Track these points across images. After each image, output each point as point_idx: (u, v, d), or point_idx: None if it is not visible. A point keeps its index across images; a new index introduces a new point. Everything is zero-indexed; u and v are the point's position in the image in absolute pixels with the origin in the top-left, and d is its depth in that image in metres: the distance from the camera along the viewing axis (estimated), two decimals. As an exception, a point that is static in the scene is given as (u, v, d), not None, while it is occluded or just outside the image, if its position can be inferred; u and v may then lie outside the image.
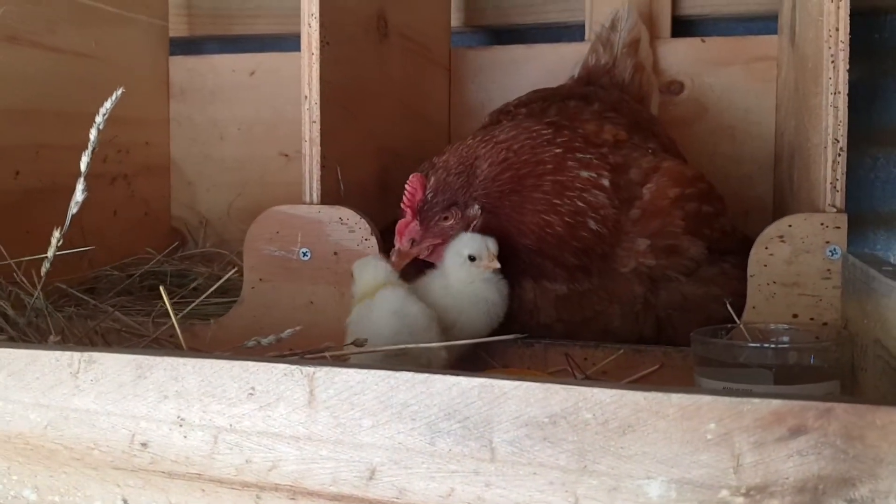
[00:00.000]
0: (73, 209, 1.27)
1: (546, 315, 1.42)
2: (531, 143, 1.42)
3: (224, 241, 2.37)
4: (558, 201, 1.37)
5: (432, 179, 1.40)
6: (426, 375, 0.92)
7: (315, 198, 1.49)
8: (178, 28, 2.43)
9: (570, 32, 2.25)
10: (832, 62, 1.28)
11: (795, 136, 1.64)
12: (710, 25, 2.20)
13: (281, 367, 0.95)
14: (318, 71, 1.47)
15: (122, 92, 1.29)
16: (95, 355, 1.01)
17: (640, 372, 1.35)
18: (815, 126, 1.35)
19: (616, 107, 1.65)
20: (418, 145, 2.01)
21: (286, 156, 2.32)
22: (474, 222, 1.39)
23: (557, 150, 1.41)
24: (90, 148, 1.27)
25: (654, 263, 1.39)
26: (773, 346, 1.18)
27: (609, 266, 1.39)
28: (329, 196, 1.51)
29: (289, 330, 1.14)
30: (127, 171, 2.19)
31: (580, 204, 1.38)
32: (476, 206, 1.39)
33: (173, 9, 2.41)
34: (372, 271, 1.36)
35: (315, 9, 1.46)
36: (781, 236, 1.31)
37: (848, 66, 1.28)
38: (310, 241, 1.47)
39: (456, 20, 2.27)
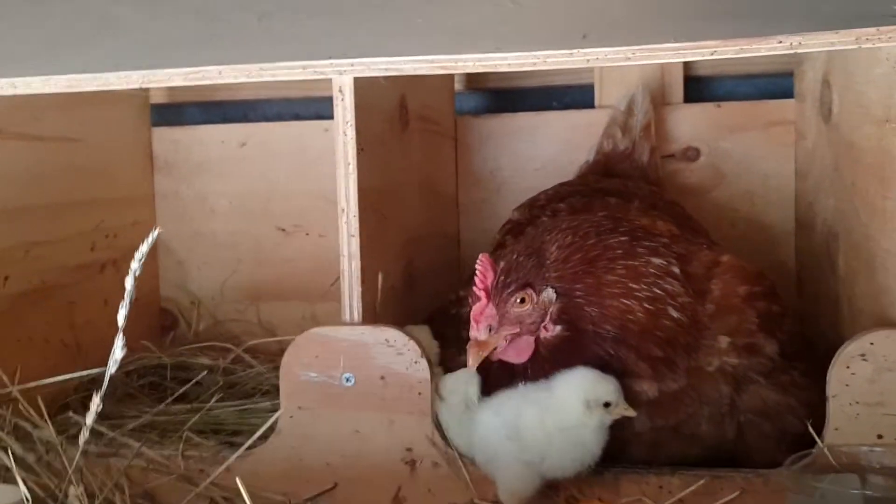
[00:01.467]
0: (112, 368, 1.14)
1: (640, 423, 1.31)
2: (595, 229, 1.36)
3: (218, 321, 2.24)
4: (635, 286, 1.30)
5: (502, 263, 1.32)
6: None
7: (357, 317, 1.38)
8: (156, 94, 2.29)
9: (572, 93, 2.18)
10: (910, 171, 1.23)
11: (840, 219, 1.59)
12: (719, 84, 2.14)
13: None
14: (356, 181, 1.37)
15: (159, 232, 1.16)
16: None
17: (721, 499, 1.27)
18: (886, 231, 1.30)
19: (654, 203, 1.60)
20: (434, 224, 1.93)
21: (283, 230, 2.20)
22: (551, 309, 1.30)
23: (623, 238, 1.35)
24: (127, 297, 1.14)
25: (736, 362, 1.33)
26: (869, 489, 1.12)
27: (695, 364, 1.31)
28: (369, 312, 1.40)
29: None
30: (116, 255, 2.04)
31: (658, 291, 1.30)
32: (551, 290, 1.30)
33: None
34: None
35: (350, 116, 1.35)
36: (863, 355, 1.25)
37: (926, 176, 1.23)
38: (353, 365, 1.36)
39: (457, 83, 2.19)
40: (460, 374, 1.38)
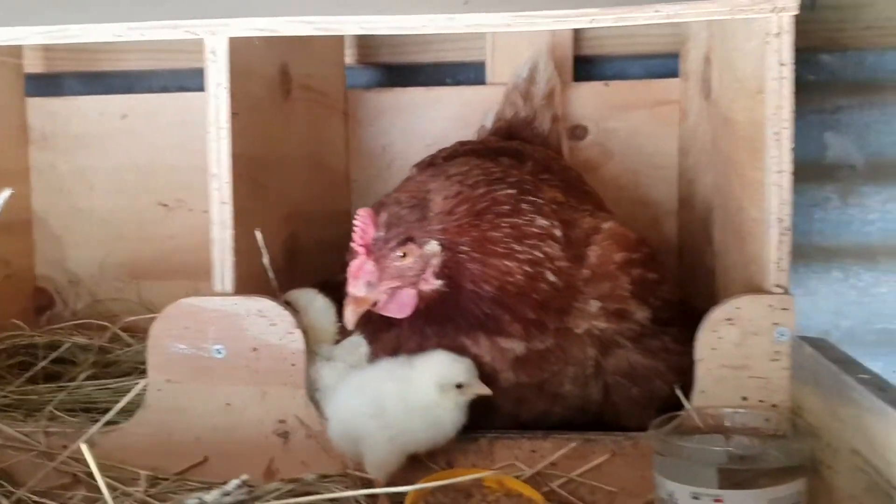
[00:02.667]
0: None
1: (505, 378, 1.32)
2: (485, 178, 1.36)
3: (97, 300, 2.16)
4: (518, 247, 1.30)
5: (384, 214, 1.29)
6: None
7: (228, 287, 1.34)
8: (32, 63, 2.19)
9: (466, 70, 2.18)
10: (776, 140, 1.26)
11: (717, 193, 1.62)
12: (609, 64, 2.17)
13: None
14: (229, 146, 1.32)
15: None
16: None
17: (592, 462, 1.29)
18: (755, 200, 1.33)
19: (548, 166, 1.60)
20: (322, 199, 1.89)
21: (165, 206, 2.13)
22: (433, 261, 1.29)
23: (511, 191, 1.35)
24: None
25: (605, 326, 1.35)
26: (733, 447, 1.14)
27: (564, 325, 1.33)
28: (243, 283, 1.36)
29: (234, 481, 1.00)
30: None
31: (538, 254, 1.31)
32: (434, 243, 1.29)
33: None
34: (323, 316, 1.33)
35: (224, 78, 1.31)
36: (730, 319, 1.27)
37: (792, 144, 1.26)
38: (225, 336, 1.32)
39: (348, 57, 2.15)
40: (346, 342, 1.36)
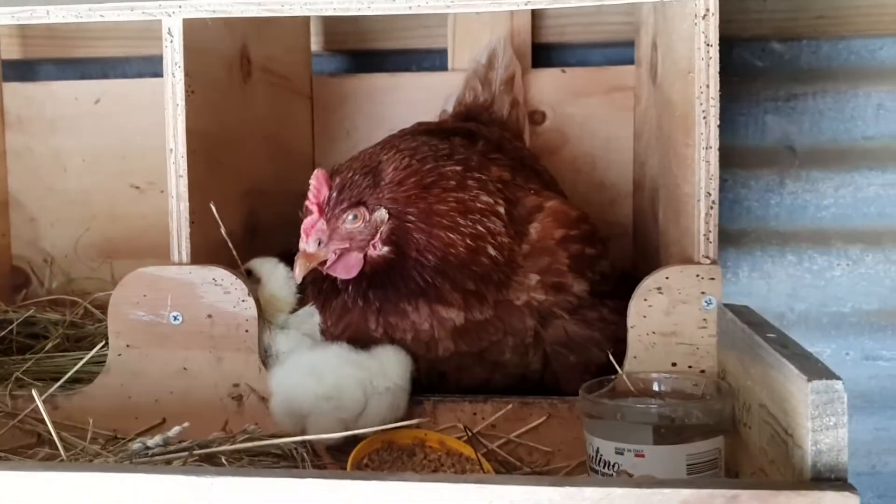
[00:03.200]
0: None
1: (444, 347, 1.39)
2: (433, 154, 1.43)
3: (72, 279, 2.22)
4: (462, 221, 1.38)
5: (337, 178, 1.36)
6: (338, 482, 0.88)
7: (185, 257, 1.40)
8: (9, 50, 2.25)
9: (431, 58, 2.24)
10: (704, 118, 1.32)
11: (661, 173, 1.69)
12: (568, 52, 2.24)
13: (176, 480, 0.88)
14: (185, 122, 1.39)
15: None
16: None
17: (529, 424, 1.36)
18: (687, 176, 1.39)
19: (499, 146, 1.67)
20: (283, 179, 1.95)
21: (137, 188, 2.19)
22: (382, 228, 1.35)
23: (457, 168, 1.42)
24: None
25: (542, 298, 1.41)
26: (659, 405, 1.21)
27: (504, 297, 1.39)
28: (200, 253, 1.42)
29: (176, 428, 1.07)
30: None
31: (481, 228, 1.38)
32: (383, 211, 1.36)
33: (3, 28, 2.23)
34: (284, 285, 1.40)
35: (179, 58, 1.37)
36: (659, 288, 1.34)
37: (718, 122, 1.33)
38: (181, 304, 1.39)
39: (315, 44, 2.21)
40: (301, 312, 1.43)
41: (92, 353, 1.40)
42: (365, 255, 1.36)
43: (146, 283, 1.39)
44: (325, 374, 1.34)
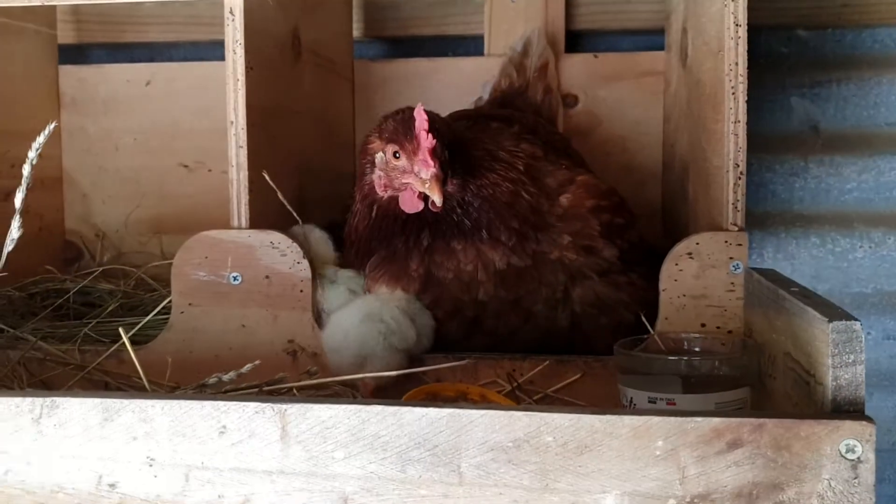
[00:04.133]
0: (9, 246, 1.24)
1: (485, 290, 1.48)
2: (476, 114, 1.60)
3: (122, 253, 2.33)
4: (497, 166, 1.49)
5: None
6: (396, 408, 0.97)
7: (244, 222, 1.50)
8: (64, 35, 2.36)
9: (467, 44, 2.33)
10: (733, 94, 1.41)
11: (690, 151, 1.77)
12: (600, 39, 2.32)
13: (252, 406, 0.98)
14: (245, 97, 1.48)
15: (49, 132, 1.26)
16: (59, 400, 1.01)
17: (565, 380, 1.44)
18: (717, 150, 1.47)
19: (533, 129, 1.76)
20: (329, 159, 2.05)
21: (186, 166, 2.30)
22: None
23: (496, 125, 1.57)
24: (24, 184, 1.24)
25: (574, 257, 1.51)
26: (687, 357, 1.29)
27: (539, 249, 1.49)
28: (257, 219, 1.52)
29: (248, 365, 1.17)
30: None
31: (513, 174, 1.50)
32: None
33: (61, 14, 2.34)
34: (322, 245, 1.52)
35: (240, 35, 1.47)
36: (690, 253, 1.43)
37: (746, 97, 1.41)
38: (240, 265, 1.49)
39: (356, 31, 2.31)
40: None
41: (161, 306, 1.50)
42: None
43: (208, 246, 1.49)
44: (383, 314, 1.45)
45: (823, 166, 2.25)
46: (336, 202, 2.09)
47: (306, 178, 1.84)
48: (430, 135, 1.39)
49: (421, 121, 1.40)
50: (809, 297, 1.09)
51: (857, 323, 0.96)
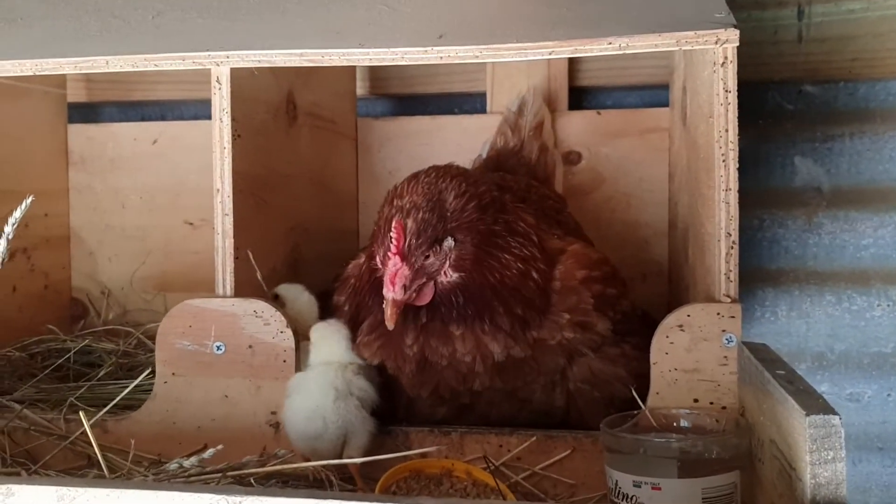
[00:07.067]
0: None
1: (480, 381, 1.44)
2: (483, 178, 1.51)
3: (127, 311, 2.33)
4: (513, 242, 1.44)
5: (409, 222, 1.39)
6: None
7: (228, 290, 1.49)
8: (75, 94, 2.39)
9: (472, 101, 2.32)
10: (723, 161, 1.37)
11: (689, 213, 1.73)
12: (604, 95, 2.30)
13: (207, 498, 0.95)
14: (231, 164, 1.48)
15: (32, 200, 1.26)
16: (14, 487, 0.99)
17: (553, 457, 1.40)
18: (709, 217, 1.43)
19: (525, 196, 1.72)
20: (326, 216, 2.04)
21: (191, 224, 2.30)
22: (450, 255, 1.40)
23: (504, 195, 1.53)
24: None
25: (571, 336, 1.46)
26: (676, 440, 1.24)
27: (540, 337, 1.44)
28: (243, 286, 1.51)
29: (210, 450, 1.14)
30: (26, 244, 2.14)
31: (526, 252, 1.45)
32: (450, 239, 1.40)
33: (71, 73, 2.37)
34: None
35: (227, 104, 1.47)
36: (681, 325, 1.38)
37: (738, 164, 1.37)
38: (224, 334, 1.47)
39: (361, 89, 2.31)
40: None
41: (137, 380, 1.49)
42: (435, 283, 1.41)
43: (192, 315, 1.48)
44: (351, 388, 1.43)
45: (838, 222, 2.19)
46: (337, 259, 2.07)
47: (301, 238, 1.83)
48: (398, 256, 1.36)
49: (394, 238, 1.37)
50: (793, 384, 1.05)
51: (836, 417, 0.91)
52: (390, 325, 1.35)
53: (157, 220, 2.31)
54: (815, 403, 0.95)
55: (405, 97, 2.37)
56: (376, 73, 2.33)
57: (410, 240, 1.37)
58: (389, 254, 1.37)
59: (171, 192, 2.31)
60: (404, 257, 1.37)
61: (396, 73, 2.32)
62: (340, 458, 1.38)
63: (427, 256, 1.38)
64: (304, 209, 1.86)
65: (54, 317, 2.23)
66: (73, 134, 2.35)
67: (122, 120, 2.44)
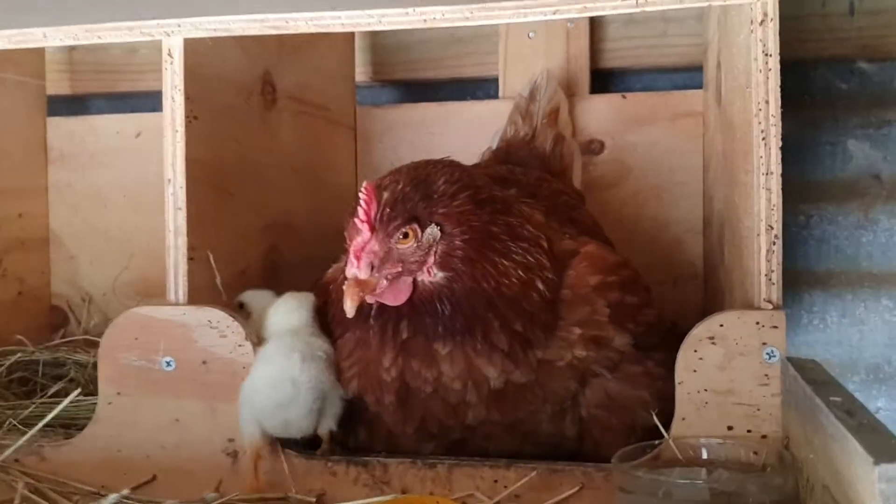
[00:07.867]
0: None
1: (475, 414, 1.20)
2: (482, 172, 1.31)
3: (109, 319, 2.11)
4: (515, 247, 1.19)
5: (385, 193, 1.16)
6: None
7: (181, 297, 1.29)
8: (59, 85, 2.22)
9: (487, 86, 2.11)
10: (763, 139, 1.13)
11: (725, 207, 1.49)
12: (632, 78, 2.06)
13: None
14: (184, 150, 1.28)
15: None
16: None
17: (559, 495, 1.17)
18: (747, 207, 1.20)
19: (534, 191, 1.49)
20: (318, 214, 1.82)
21: (177, 224, 2.11)
22: (434, 248, 1.16)
23: (509, 192, 1.31)
24: None
25: (584, 355, 1.22)
26: (705, 479, 1.01)
27: (546, 357, 1.20)
28: (200, 292, 1.30)
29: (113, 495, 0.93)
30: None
31: (531, 259, 1.20)
32: (435, 228, 1.16)
33: (54, 64, 2.21)
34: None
35: (179, 80, 1.27)
36: (712, 337, 1.14)
37: (780, 143, 1.13)
38: (174, 347, 1.26)
39: (362, 74, 2.11)
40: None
41: (61, 406, 1.29)
42: (415, 281, 1.17)
43: (139, 325, 1.28)
44: (314, 349, 1.24)
45: (895, 218, 1.94)
46: (330, 261, 1.87)
47: (283, 237, 1.63)
48: (366, 225, 1.12)
49: (363, 203, 1.13)
50: (853, 416, 0.81)
51: (915, 467, 0.67)
52: (350, 311, 1.11)
53: (141, 220, 2.11)
54: (886, 446, 0.71)
55: (411, 83, 2.16)
56: (378, 58, 2.12)
57: (384, 209, 1.13)
58: (356, 221, 1.13)
59: (157, 190, 2.09)
60: (373, 228, 1.12)
61: (402, 58, 2.11)
62: (316, 432, 1.22)
63: (405, 235, 1.14)
64: (285, 204, 1.65)
65: (33, 325, 2.05)
66: (52, 128, 2.16)
67: (111, 112, 2.27)
